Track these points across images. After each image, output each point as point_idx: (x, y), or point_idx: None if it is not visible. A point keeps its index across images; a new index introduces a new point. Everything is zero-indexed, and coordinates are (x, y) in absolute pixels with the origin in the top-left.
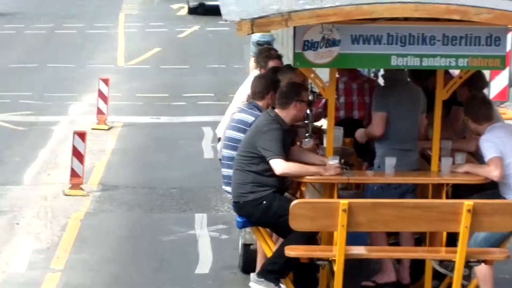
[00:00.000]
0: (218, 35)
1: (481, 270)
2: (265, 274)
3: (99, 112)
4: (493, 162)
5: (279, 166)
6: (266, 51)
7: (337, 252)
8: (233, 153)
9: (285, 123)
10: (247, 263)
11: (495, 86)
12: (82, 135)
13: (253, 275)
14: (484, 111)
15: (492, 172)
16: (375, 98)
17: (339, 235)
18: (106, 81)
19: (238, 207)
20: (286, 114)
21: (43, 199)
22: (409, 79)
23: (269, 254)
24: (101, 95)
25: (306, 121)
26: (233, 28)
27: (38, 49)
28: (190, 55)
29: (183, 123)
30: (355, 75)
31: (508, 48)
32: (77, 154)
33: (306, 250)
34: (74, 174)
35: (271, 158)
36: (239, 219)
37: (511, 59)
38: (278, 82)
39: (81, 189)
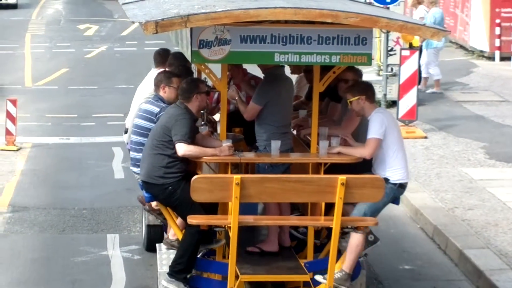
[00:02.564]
0: (126, 55)
1: (354, 240)
2: (174, 274)
3: (8, 133)
4: (371, 141)
5: (182, 148)
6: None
7: (232, 220)
8: (140, 138)
9: (193, 114)
10: (151, 243)
11: (404, 104)
12: None
13: (163, 274)
14: (374, 93)
15: (364, 151)
16: (258, 90)
17: (233, 205)
18: (14, 102)
19: (146, 186)
20: (192, 106)
21: None
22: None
23: (174, 226)
24: (9, 115)
25: (202, 111)
26: (141, 48)
27: None
28: (98, 75)
29: (93, 143)
30: (243, 73)
31: (415, 67)
32: None
33: (205, 219)
34: None
35: (177, 142)
36: (146, 195)
37: (418, 77)
38: (172, 76)
39: None
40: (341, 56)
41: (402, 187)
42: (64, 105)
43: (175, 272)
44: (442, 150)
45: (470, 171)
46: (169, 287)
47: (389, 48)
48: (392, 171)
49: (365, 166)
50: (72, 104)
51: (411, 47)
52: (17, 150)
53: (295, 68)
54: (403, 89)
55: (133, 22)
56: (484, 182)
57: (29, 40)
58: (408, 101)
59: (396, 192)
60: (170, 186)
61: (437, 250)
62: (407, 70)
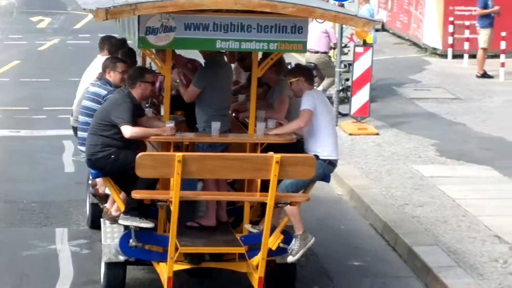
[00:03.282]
0: (79, 48)
1: (289, 209)
2: (129, 212)
3: None
4: (304, 112)
5: (128, 130)
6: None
7: (173, 195)
8: (88, 119)
9: (135, 99)
10: (95, 220)
11: (356, 101)
12: None
13: (107, 246)
14: (313, 77)
15: (299, 122)
16: (197, 74)
17: (175, 181)
18: None
19: (92, 163)
20: (135, 92)
21: None
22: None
23: (117, 199)
24: None
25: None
26: (94, 41)
27: None
28: (51, 68)
29: (43, 136)
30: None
31: (369, 64)
32: None
33: (149, 194)
34: None
35: (122, 125)
36: (93, 171)
37: (372, 74)
38: (117, 61)
39: None
40: (278, 43)
41: (331, 164)
42: (15, 97)
43: (129, 210)
44: (393, 147)
45: (421, 168)
46: (126, 223)
47: (343, 45)
48: (322, 148)
49: (297, 148)
50: (24, 97)
51: (365, 44)
52: None
53: (231, 58)
54: (356, 85)
55: (84, 9)
56: (435, 179)
57: None
58: (360, 97)
59: (325, 169)
60: (112, 154)
61: (386, 246)
62: (360, 67)
